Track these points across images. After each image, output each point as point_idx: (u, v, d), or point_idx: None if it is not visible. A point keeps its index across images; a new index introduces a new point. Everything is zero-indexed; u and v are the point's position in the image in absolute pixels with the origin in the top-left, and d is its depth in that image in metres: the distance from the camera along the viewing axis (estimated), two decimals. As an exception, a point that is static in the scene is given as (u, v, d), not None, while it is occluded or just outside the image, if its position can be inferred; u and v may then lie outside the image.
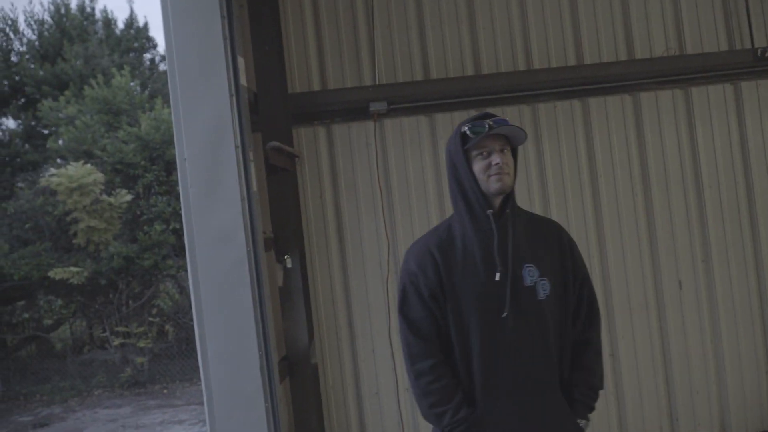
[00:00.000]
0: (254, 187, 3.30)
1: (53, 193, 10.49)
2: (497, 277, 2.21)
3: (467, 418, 2.20)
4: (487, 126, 2.24)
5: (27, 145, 13.92)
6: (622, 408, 4.48)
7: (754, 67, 4.45)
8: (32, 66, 14.06)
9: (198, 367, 3.23)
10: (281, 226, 3.96)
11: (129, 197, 10.74)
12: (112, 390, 10.61)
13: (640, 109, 4.55)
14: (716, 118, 4.56)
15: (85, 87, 12.31)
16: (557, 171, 4.51)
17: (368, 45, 4.52)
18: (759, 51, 4.32)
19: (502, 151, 2.26)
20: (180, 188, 3.23)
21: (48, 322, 12.19)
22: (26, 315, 11.94)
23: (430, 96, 4.40)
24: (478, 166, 2.25)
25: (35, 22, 14.99)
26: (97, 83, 12.16)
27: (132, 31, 16.06)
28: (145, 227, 10.99)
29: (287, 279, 3.93)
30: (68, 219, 10.55)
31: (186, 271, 3.28)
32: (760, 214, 4.53)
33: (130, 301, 11.32)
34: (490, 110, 4.38)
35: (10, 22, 14.75)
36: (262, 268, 3.23)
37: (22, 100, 14.25)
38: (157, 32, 18.31)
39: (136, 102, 12.37)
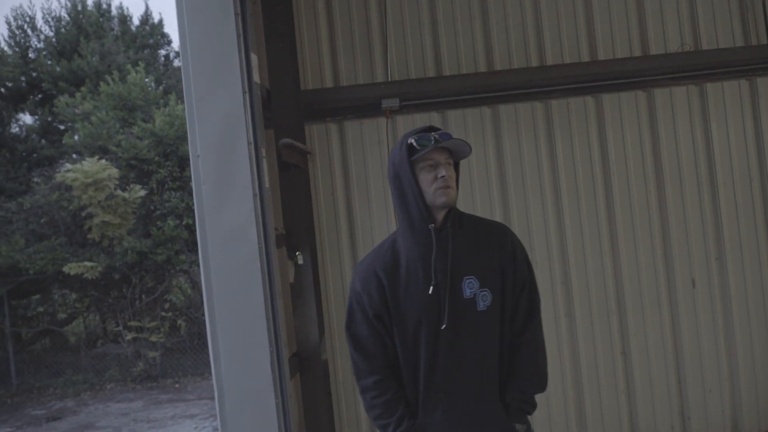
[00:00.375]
0: (266, 184, 3.30)
1: (68, 188, 10.57)
2: (430, 290, 2.22)
3: (408, 430, 2.27)
4: (433, 139, 2.22)
5: (43, 141, 14.04)
6: (633, 406, 4.47)
7: (769, 63, 4.41)
8: (49, 62, 14.17)
9: (210, 362, 3.25)
10: (293, 222, 3.97)
11: (143, 193, 10.80)
12: (125, 384, 10.69)
13: (654, 105, 4.52)
14: (731, 114, 4.53)
15: (101, 83, 12.39)
16: (570, 168, 4.49)
17: (381, 41, 4.52)
18: (775, 46, 4.27)
19: (447, 164, 2.26)
20: (193, 185, 3.24)
21: (62, 316, 12.30)
22: (41, 309, 12.05)
23: (443, 92, 4.39)
24: (424, 178, 2.22)
25: (53, 19, 15.12)
26: (113, 79, 12.24)
27: (147, 28, 16.15)
28: (158, 222, 11.05)
29: (298, 275, 3.94)
30: (83, 214, 10.63)
31: (198, 266, 3.29)
32: (775, 212, 4.50)
33: (143, 296, 11.40)
34: (503, 107, 4.41)
35: (28, 19, 14.88)
36: (274, 264, 3.24)
37: (39, 96, 14.37)
38: (171, 29, 18.44)
39: (151, 98, 12.44)
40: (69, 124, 12.77)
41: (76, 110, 12.15)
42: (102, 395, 10.28)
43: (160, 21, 16.53)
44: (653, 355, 4.47)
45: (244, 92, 3.15)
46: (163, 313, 11.40)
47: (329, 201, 4.48)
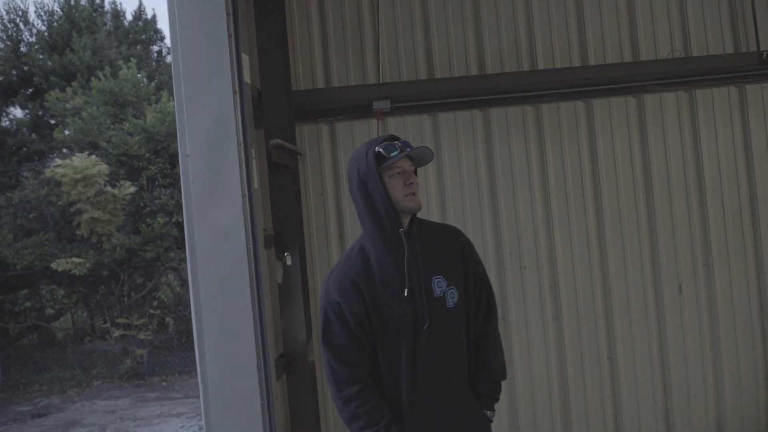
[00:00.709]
0: (255, 184, 3.30)
1: (58, 183, 10.51)
2: (405, 292, 2.28)
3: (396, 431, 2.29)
4: (398, 147, 2.28)
5: (33, 135, 13.95)
6: (619, 411, 4.49)
7: (759, 69, 4.42)
8: (41, 57, 14.07)
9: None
10: (282, 223, 3.96)
11: (133, 189, 10.76)
12: (111, 381, 10.64)
13: (643, 111, 4.54)
14: (720, 121, 4.55)
15: (93, 78, 12.33)
16: (559, 172, 4.51)
17: (373, 43, 4.52)
18: (765, 54, 4.29)
19: (412, 171, 2.33)
20: (182, 184, 3.24)
21: (50, 311, 12.24)
22: (28, 304, 11.98)
23: (434, 95, 4.40)
24: (393, 186, 2.26)
25: (45, 13, 15.03)
26: (104, 75, 12.18)
27: (140, 23, 16.07)
28: (148, 219, 11.01)
29: (287, 276, 3.94)
30: (72, 210, 10.57)
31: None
32: (762, 218, 4.52)
33: (131, 293, 11.35)
34: (494, 111, 4.43)
35: (20, 13, 14.78)
36: (262, 265, 3.23)
37: (30, 90, 14.26)
38: (165, 24, 18.36)
39: (142, 94, 12.38)
40: (60, 118, 12.69)
41: (67, 105, 12.08)
42: (88, 392, 10.23)
43: (154, 16, 16.45)
44: (639, 361, 4.49)
45: (234, 93, 3.15)
46: (152, 311, 11.36)
47: (319, 202, 4.48)
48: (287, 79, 4.08)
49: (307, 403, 4.00)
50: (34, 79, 13.89)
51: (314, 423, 4.07)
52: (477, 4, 4.56)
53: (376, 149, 2.27)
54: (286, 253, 3.92)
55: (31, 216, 11.10)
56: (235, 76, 3.16)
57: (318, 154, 4.50)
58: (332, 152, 4.50)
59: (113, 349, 11.20)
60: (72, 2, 15.05)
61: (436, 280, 2.34)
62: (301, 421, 3.94)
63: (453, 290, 2.37)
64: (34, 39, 14.77)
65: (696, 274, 4.52)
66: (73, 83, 12.79)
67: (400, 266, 2.30)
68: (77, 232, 10.73)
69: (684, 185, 4.53)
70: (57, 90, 12.78)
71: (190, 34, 3.14)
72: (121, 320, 11.08)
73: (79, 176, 10.17)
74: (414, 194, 2.28)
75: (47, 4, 15.32)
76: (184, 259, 10.50)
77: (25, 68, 14.10)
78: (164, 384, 10.41)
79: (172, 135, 10.76)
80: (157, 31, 16.35)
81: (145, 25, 16.05)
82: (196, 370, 3.23)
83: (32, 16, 14.97)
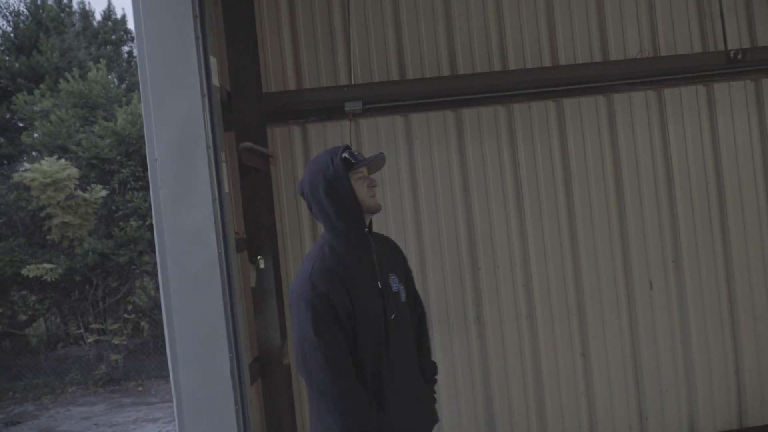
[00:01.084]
0: (226, 188, 3.27)
1: (27, 188, 10.33)
2: (379, 285, 2.49)
3: (383, 424, 2.41)
4: (359, 155, 2.53)
5: (1, 139, 13.71)
6: (593, 407, 4.54)
7: (726, 69, 4.50)
8: (7, 58, 13.84)
9: (170, 367, 3.21)
10: (254, 227, 3.94)
11: (104, 193, 10.60)
12: (86, 387, 10.50)
13: (613, 110, 4.59)
14: (689, 119, 4.62)
15: (61, 80, 12.14)
16: (531, 171, 4.54)
17: (344, 44, 4.51)
18: (732, 53, 4.36)
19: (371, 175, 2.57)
20: (150, 189, 3.19)
21: (22, 317, 12.03)
22: (0, 310, 11.77)
23: (406, 96, 4.40)
24: (359, 188, 2.47)
25: (11, 13, 14.77)
26: (73, 77, 11.99)
27: (110, 23, 15.87)
28: (120, 223, 10.86)
29: (260, 280, 3.91)
30: (42, 215, 10.39)
31: (162, 267, 3.25)
32: (730, 215, 4.60)
33: (105, 298, 11.20)
34: (466, 111, 4.45)
35: (-15, 14, 14.55)
36: (234, 269, 3.20)
37: (-3, 92, 14.04)
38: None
39: (113, 96, 12.21)
40: (28, 121, 12.49)
41: (35, 108, 11.88)
42: (63, 399, 10.08)
43: (123, 16, 16.26)
44: (612, 357, 4.54)
45: (202, 95, 3.11)
46: (126, 315, 11.22)
47: (292, 205, 4.45)
48: (257, 80, 4.06)
49: (283, 406, 3.98)
50: (1, 81, 13.66)
51: (290, 426, 4.06)
52: (448, 5, 4.57)
53: (343, 155, 2.46)
54: (258, 257, 3.90)
55: (0, 221, 10.90)
56: (203, 79, 3.12)
57: (290, 156, 4.48)
58: (305, 154, 4.48)
59: (87, 355, 11.04)
60: (39, 2, 14.81)
61: (392, 277, 2.57)
62: (277, 424, 3.92)
63: (402, 286, 2.62)
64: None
65: (666, 270, 4.58)
66: (41, 85, 12.60)
67: (368, 262, 2.50)
68: (48, 237, 10.55)
69: (653, 183, 4.58)
70: (24, 92, 12.57)
71: (156, 37, 3.10)
72: (95, 325, 10.92)
73: (48, 180, 10.00)
74: (375, 195, 2.52)
75: (13, 4, 15.09)
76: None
77: (-9, 70, 13.87)
78: (140, 389, 10.30)
79: (144, 137, 10.62)
80: (127, 32, 16.16)
81: (114, 26, 15.86)
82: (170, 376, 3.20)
83: (-2, 16, 14.67)
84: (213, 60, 3.24)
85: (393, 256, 2.68)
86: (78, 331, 11.24)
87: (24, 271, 10.06)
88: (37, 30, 14.29)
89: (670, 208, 4.59)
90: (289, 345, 4.23)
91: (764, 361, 4.62)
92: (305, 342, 2.37)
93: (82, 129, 11.36)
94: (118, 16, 16.20)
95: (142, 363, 10.94)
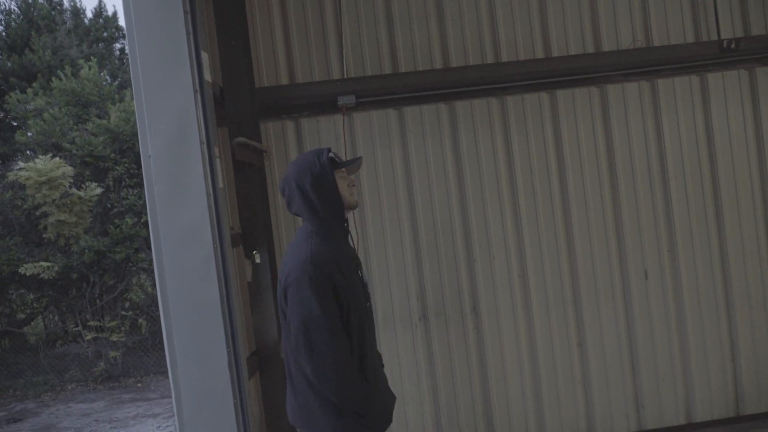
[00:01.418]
0: (221, 183, 3.28)
1: (22, 187, 10.31)
2: (360, 274, 2.74)
3: (368, 389, 2.60)
4: (342, 156, 2.82)
5: (-5, 138, 13.66)
6: (590, 395, 4.56)
7: (720, 58, 4.51)
8: (0, 57, 13.77)
9: (168, 363, 3.22)
10: (249, 221, 3.94)
11: (99, 190, 10.58)
12: (86, 384, 10.51)
13: (607, 101, 4.60)
14: (682, 109, 4.63)
15: (53, 79, 12.09)
16: (525, 163, 4.55)
17: (336, 38, 4.51)
18: (725, 43, 4.36)
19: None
20: (145, 186, 3.20)
21: (21, 316, 12.02)
22: (-2, 309, 11.77)
23: (399, 89, 4.39)
24: (341, 186, 2.68)
25: (2, 12, 14.68)
26: (65, 75, 11.95)
27: (101, 21, 15.79)
28: (116, 220, 10.84)
29: (256, 274, 3.92)
30: (38, 213, 10.38)
31: (158, 264, 3.26)
32: (724, 204, 4.62)
33: (103, 295, 11.20)
34: (460, 104, 4.45)
35: (-24, 13, 14.47)
36: (230, 264, 3.22)
37: (-10, 92, 13.97)
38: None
39: (105, 93, 12.15)
40: (21, 120, 12.44)
41: (28, 106, 11.84)
42: (63, 396, 10.09)
43: (114, 14, 16.16)
44: (608, 346, 4.57)
45: (195, 91, 3.11)
46: (124, 312, 11.22)
47: (287, 199, 4.45)
48: (250, 76, 4.05)
49: (281, 400, 3.99)
50: (-6, 80, 13.60)
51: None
52: (440, -3, 4.57)
53: (330, 155, 2.68)
54: (254, 251, 3.90)
55: (-4, 220, 10.89)
56: (195, 75, 3.12)
57: (284, 151, 4.48)
58: (298, 148, 4.48)
59: (86, 352, 11.05)
60: (30, 0, 14.74)
61: (359, 268, 2.79)
62: (276, 418, 3.93)
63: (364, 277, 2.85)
64: (-9, 39, 14.46)
65: (661, 259, 4.60)
66: (34, 84, 12.53)
67: (349, 252, 2.72)
68: (44, 236, 10.54)
69: (648, 173, 4.60)
70: (17, 91, 12.50)
71: (147, 33, 3.10)
72: (93, 323, 10.92)
73: (43, 179, 9.98)
74: (354, 193, 2.75)
75: (4, 3, 15.03)
76: (154, 260, 10.37)
77: (-17, 70, 13.79)
78: (139, 385, 10.31)
79: (137, 135, 10.60)
80: (119, 29, 16.07)
81: (106, 23, 15.77)
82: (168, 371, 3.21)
83: (-11, 15, 14.60)
84: (205, 56, 3.24)
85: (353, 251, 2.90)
86: (76, 329, 11.24)
87: (21, 270, 10.05)
88: (29, 28, 14.21)
89: (665, 198, 4.60)
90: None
91: (760, 349, 4.65)
92: (309, 320, 2.46)
93: (75, 127, 11.32)
94: (109, 13, 16.14)
95: (140, 359, 10.95)
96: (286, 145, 4.48)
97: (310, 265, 2.51)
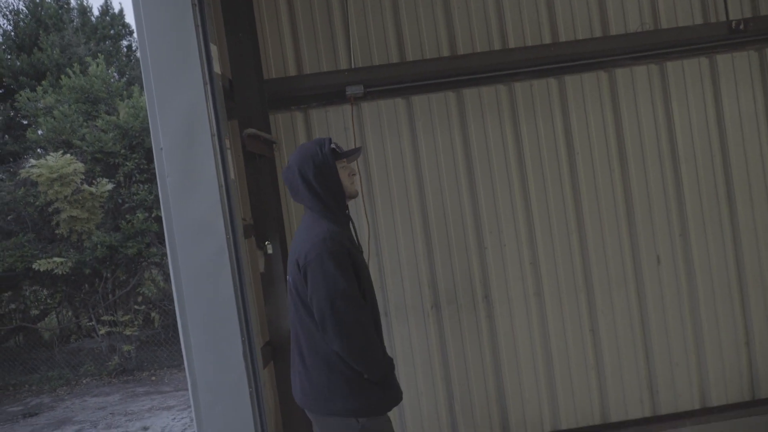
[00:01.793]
0: (232, 175, 3.29)
1: (34, 184, 10.40)
2: (366, 258, 2.88)
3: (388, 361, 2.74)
4: (343, 147, 2.85)
5: (6, 137, 13.75)
6: (603, 382, 4.56)
7: (729, 39, 4.46)
8: (9, 57, 13.84)
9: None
10: (261, 212, 3.96)
11: (110, 186, 10.67)
12: (100, 378, 10.62)
13: (615, 85, 4.58)
14: (692, 91, 4.60)
15: (62, 76, 12.16)
16: (535, 149, 4.54)
17: (343, 28, 4.51)
18: (734, 23, 4.32)
19: None
20: (157, 178, 3.22)
21: (35, 312, 12.15)
22: (12, 306, 11.88)
23: (407, 78, 4.38)
24: (345, 175, 2.80)
25: (10, 12, 14.76)
26: (74, 72, 12.01)
27: (108, 18, 15.84)
28: (127, 216, 10.93)
29: (269, 265, 3.94)
30: (50, 210, 10.48)
31: (170, 257, 3.29)
32: (736, 186, 4.59)
33: (115, 290, 11.29)
34: (468, 91, 4.44)
35: (-15, 14, 14.54)
36: (242, 255, 3.23)
37: (0, 91, 14.05)
38: (132, 19, 18.02)
39: (114, 90, 12.23)
40: (32, 118, 12.52)
41: (39, 104, 11.92)
42: (78, 390, 10.21)
43: (121, 11, 16.25)
44: (621, 332, 4.56)
45: (205, 83, 3.12)
46: (137, 306, 11.32)
47: (297, 190, 4.46)
48: (258, 67, 4.06)
49: (295, 390, 4.02)
50: (4, 79, 13.68)
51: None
52: (446, -15, 4.55)
53: (331, 146, 2.77)
54: (266, 242, 3.92)
55: (9, 218, 10.98)
56: (204, 67, 3.13)
57: (293, 142, 4.49)
58: (307, 139, 4.49)
59: (100, 347, 11.16)
60: (37, 0, 14.80)
61: (362, 253, 2.88)
62: (290, 407, 3.96)
63: None
64: (0, 39, 14.53)
65: (673, 244, 4.58)
66: (43, 82, 12.62)
67: (351, 239, 2.80)
68: (57, 232, 10.64)
69: (658, 157, 4.58)
70: (27, 90, 12.59)
71: (156, 27, 3.11)
72: (106, 317, 11.03)
73: (55, 176, 10.07)
74: (354, 183, 2.86)
75: (12, 3, 15.03)
76: (166, 254, 10.43)
77: (-6, 69, 13.88)
78: (153, 378, 10.40)
79: (147, 130, 10.66)
80: (126, 26, 16.13)
81: (112, 20, 15.83)
82: (184, 363, 3.24)
83: (-2, 15, 14.66)
84: (214, 48, 3.25)
85: None
86: (90, 324, 11.34)
87: (35, 266, 10.16)
88: (37, 28, 14.28)
89: (676, 182, 4.59)
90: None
91: (773, 332, 4.64)
92: (335, 294, 2.52)
93: (85, 124, 11.39)
94: (116, 10, 16.18)
95: (154, 353, 11.05)
96: (296, 136, 4.49)
97: (330, 242, 2.58)
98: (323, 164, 2.73)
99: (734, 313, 4.61)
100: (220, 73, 3.33)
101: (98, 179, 10.72)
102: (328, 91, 4.36)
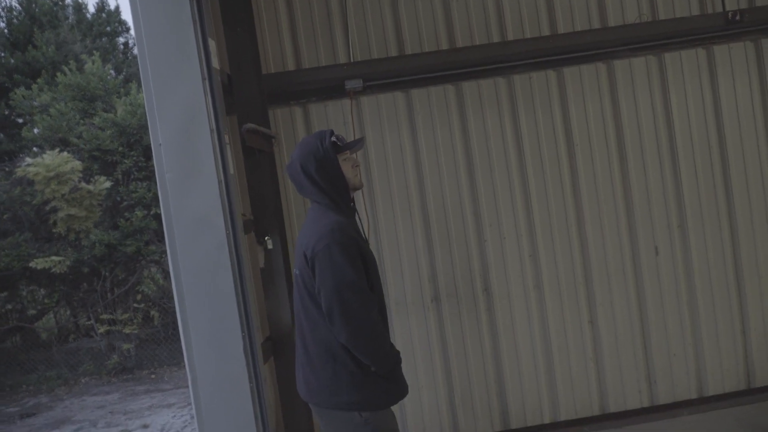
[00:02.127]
0: (231, 170, 3.29)
1: (30, 182, 10.35)
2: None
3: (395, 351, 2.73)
4: (344, 139, 2.81)
5: (1, 135, 13.70)
6: (602, 372, 4.58)
7: (726, 30, 4.48)
8: (3, 54, 13.78)
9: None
10: (260, 207, 3.95)
11: (108, 184, 10.62)
12: (100, 377, 10.59)
13: (614, 76, 4.58)
14: (690, 82, 4.61)
15: (58, 74, 12.10)
16: (534, 142, 4.54)
17: (341, 22, 4.50)
18: (730, 14, 4.34)
19: None
20: (156, 174, 3.21)
21: (32, 312, 12.09)
22: (9, 306, 11.84)
23: (406, 71, 4.39)
24: (346, 168, 2.76)
25: (4, 9, 14.68)
26: (70, 70, 11.96)
27: (103, 15, 15.78)
28: (125, 213, 10.90)
29: (269, 260, 3.94)
30: (47, 208, 10.43)
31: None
32: (734, 178, 4.61)
33: (114, 288, 11.26)
34: (467, 84, 4.43)
35: (-23, 11, 14.47)
36: (242, 250, 3.23)
37: (-6, 89, 14.00)
38: (129, 15, 17.96)
39: (111, 87, 12.18)
40: (27, 116, 12.47)
41: (34, 102, 11.87)
42: (77, 389, 10.18)
43: (117, 8, 16.22)
44: (620, 323, 4.58)
45: (203, 79, 3.12)
46: (136, 305, 11.28)
47: (296, 185, 4.46)
48: (257, 62, 4.05)
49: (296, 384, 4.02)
50: (-1, 78, 13.62)
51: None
52: (443, -22, 4.54)
53: (332, 139, 2.74)
54: (266, 237, 3.92)
55: (5, 217, 10.93)
56: (203, 62, 3.12)
57: (293, 137, 4.49)
58: (307, 134, 4.49)
59: (99, 346, 11.13)
60: (31, -3, 14.73)
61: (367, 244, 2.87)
62: (291, 402, 3.96)
63: None
64: (-7, 37, 14.47)
65: (671, 235, 4.59)
66: (39, 80, 12.55)
67: (357, 230, 2.79)
68: (54, 231, 10.59)
69: (656, 148, 4.59)
70: (22, 88, 12.53)
71: (153, 22, 3.10)
72: (105, 316, 11.00)
73: (51, 174, 10.02)
74: (358, 175, 2.82)
75: (5, 1, 14.96)
76: (165, 252, 10.42)
77: (-13, 67, 13.81)
78: (153, 376, 10.39)
79: (144, 127, 10.63)
80: (122, 23, 16.06)
81: (108, 17, 15.76)
82: (184, 361, 3.24)
83: (-10, 13, 14.60)
84: (212, 43, 3.24)
85: None
86: (88, 323, 11.32)
87: (32, 264, 10.11)
88: (31, 25, 14.20)
89: (674, 173, 4.59)
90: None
91: (771, 322, 4.65)
92: (343, 285, 2.50)
93: (82, 121, 11.35)
94: (112, 7, 16.16)
95: (153, 351, 11.03)
96: (295, 130, 4.49)
97: (338, 233, 2.56)
98: (325, 159, 2.71)
99: (731, 303, 4.63)
100: (218, 68, 3.33)
101: (96, 177, 10.68)
102: (327, 85, 4.35)
